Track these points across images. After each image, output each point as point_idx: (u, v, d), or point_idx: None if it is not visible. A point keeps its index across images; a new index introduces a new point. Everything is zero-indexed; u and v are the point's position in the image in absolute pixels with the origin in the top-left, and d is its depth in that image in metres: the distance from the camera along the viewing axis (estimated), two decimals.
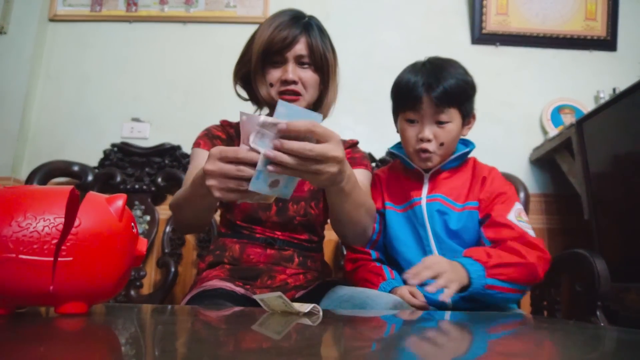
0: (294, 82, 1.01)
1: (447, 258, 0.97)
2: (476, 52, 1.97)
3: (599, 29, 1.95)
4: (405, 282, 1.02)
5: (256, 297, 0.69)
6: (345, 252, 1.38)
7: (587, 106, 1.84)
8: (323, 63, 1.05)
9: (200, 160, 1.05)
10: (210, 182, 0.71)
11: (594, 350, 0.53)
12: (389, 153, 1.25)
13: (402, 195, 1.15)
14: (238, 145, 0.70)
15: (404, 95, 1.07)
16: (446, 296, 0.87)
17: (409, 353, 0.47)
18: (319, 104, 1.11)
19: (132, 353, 0.41)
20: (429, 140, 1.04)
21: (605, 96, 1.80)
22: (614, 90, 1.75)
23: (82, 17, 1.96)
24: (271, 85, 1.03)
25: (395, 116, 1.15)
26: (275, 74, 1.02)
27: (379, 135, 1.74)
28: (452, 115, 1.04)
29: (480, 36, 1.96)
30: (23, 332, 0.46)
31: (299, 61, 1.03)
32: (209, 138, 1.12)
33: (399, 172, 1.19)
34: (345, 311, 0.86)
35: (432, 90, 1.01)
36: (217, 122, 1.19)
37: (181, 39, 1.96)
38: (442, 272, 0.88)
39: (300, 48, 1.02)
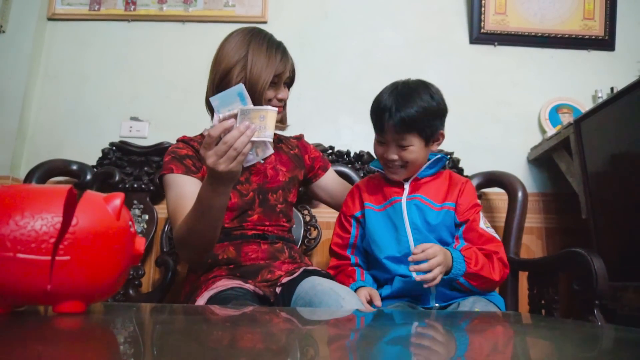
0: (284, 100, 1.25)
1: None
2: (474, 51, 1.97)
3: (597, 28, 1.96)
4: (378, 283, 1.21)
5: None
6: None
7: (585, 105, 1.84)
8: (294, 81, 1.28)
9: (181, 185, 1.14)
10: (212, 160, 0.90)
11: (592, 349, 0.53)
12: (370, 170, 1.36)
13: (382, 197, 1.24)
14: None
15: (374, 120, 1.20)
16: (432, 281, 1.01)
17: (410, 351, 0.47)
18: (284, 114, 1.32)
19: (130, 352, 0.41)
20: (393, 160, 1.16)
21: (603, 95, 1.80)
22: (612, 89, 1.75)
23: (80, 16, 1.96)
24: (269, 100, 1.21)
25: None
26: (271, 93, 1.20)
27: None
28: (412, 140, 1.14)
29: (479, 36, 1.96)
30: (21, 331, 0.46)
31: (285, 82, 1.24)
32: (178, 160, 1.18)
33: (380, 180, 1.28)
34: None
35: (393, 119, 1.12)
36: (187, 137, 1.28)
37: (180, 38, 1.96)
38: (434, 256, 1.01)
39: (288, 72, 1.23)
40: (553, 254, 1.56)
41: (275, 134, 1.38)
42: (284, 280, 1.13)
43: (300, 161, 1.37)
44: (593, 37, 1.95)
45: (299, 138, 1.44)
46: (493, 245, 1.15)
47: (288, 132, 1.39)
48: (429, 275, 1.00)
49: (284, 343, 0.48)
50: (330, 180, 1.41)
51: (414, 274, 1.06)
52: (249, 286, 1.09)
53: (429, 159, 1.23)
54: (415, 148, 1.14)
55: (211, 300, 1.02)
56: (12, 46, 1.86)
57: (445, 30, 1.99)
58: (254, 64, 1.17)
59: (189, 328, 0.57)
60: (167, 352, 0.41)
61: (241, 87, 0.91)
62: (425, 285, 1.02)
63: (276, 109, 0.92)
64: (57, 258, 0.49)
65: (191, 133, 1.32)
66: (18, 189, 0.53)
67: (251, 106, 0.91)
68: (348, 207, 1.29)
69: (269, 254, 1.18)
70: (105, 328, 0.52)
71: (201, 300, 1.03)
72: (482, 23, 1.95)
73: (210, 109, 1.22)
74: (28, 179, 1.61)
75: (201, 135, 1.30)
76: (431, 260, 1.00)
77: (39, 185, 0.55)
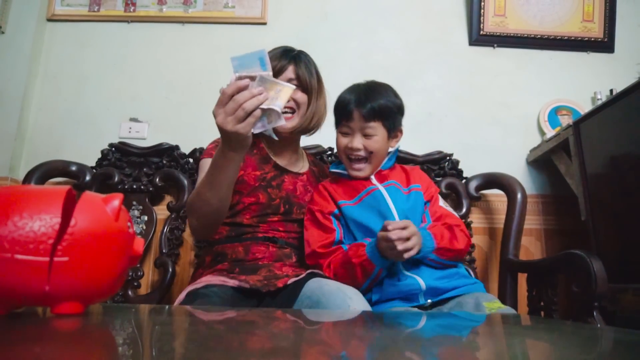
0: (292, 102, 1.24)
1: None
2: (474, 53, 1.97)
3: (596, 30, 1.96)
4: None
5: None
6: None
7: (585, 107, 1.84)
8: (308, 86, 1.26)
9: None
10: (220, 118, 0.90)
11: (591, 351, 0.53)
12: (331, 172, 1.33)
13: (353, 192, 1.24)
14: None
15: (339, 111, 1.23)
16: (408, 256, 1.04)
17: (409, 352, 0.47)
18: (309, 117, 1.28)
19: (128, 353, 0.41)
20: (358, 149, 1.19)
21: (603, 97, 1.81)
22: (611, 91, 1.75)
23: (80, 17, 1.96)
24: None
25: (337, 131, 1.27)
26: None
27: None
28: (378, 129, 1.19)
29: (478, 37, 1.96)
30: (19, 333, 0.46)
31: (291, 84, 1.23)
32: None
33: (343, 179, 1.27)
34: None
35: (361, 106, 1.18)
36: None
37: (179, 39, 1.96)
38: (413, 235, 1.05)
39: (289, 73, 1.24)
40: (552, 255, 1.56)
41: (311, 157, 1.43)
42: (290, 281, 1.11)
43: None
44: (592, 39, 1.96)
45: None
46: (453, 219, 1.21)
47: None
48: (410, 252, 1.04)
49: (283, 345, 0.48)
50: None
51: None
52: (233, 282, 1.08)
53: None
54: (379, 138, 1.19)
55: (188, 295, 1.05)
56: (11, 47, 1.86)
57: (444, 31, 1.99)
58: None
59: (189, 329, 0.57)
60: (166, 354, 0.41)
61: (263, 52, 0.90)
62: (407, 255, 1.05)
63: (293, 86, 0.92)
64: (56, 259, 0.49)
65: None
66: (17, 190, 0.53)
67: (271, 77, 0.90)
68: (322, 205, 1.22)
69: (275, 257, 1.19)
70: (103, 329, 0.52)
71: (182, 294, 1.07)
72: (482, 25, 1.95)
73: None
74: (27, 180, 1.61)
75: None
76: (409, 232, 1.04)
77: (38, 186, 0.55)
